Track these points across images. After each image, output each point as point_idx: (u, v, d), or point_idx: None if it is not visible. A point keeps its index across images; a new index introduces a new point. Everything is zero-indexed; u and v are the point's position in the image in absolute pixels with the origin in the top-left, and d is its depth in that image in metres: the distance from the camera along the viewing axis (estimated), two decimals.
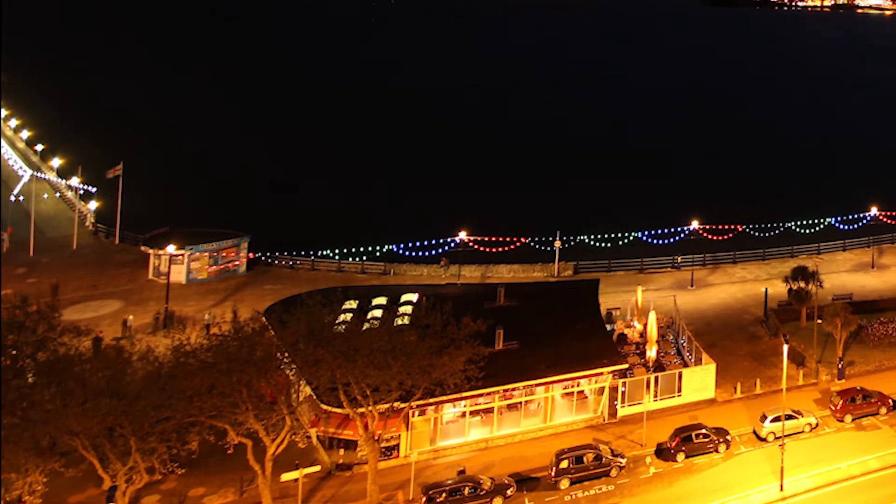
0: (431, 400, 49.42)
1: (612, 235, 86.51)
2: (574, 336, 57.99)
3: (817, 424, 55.42)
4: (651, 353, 59.90)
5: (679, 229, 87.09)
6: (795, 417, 54.35)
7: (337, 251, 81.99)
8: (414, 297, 61.12)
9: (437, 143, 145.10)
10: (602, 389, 56.01)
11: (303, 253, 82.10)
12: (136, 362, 42.98)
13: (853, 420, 56.32)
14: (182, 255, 75.28)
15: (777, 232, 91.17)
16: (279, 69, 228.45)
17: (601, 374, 55.65)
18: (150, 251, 76.29)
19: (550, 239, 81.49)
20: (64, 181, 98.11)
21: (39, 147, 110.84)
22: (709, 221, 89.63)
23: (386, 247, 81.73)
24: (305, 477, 46.66)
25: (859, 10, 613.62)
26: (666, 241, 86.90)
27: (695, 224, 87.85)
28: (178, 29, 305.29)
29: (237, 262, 79.07)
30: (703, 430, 52.67)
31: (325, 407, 48.28)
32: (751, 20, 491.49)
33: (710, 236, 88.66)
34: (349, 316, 55.36)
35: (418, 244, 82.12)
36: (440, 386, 47.25)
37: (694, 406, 58.02)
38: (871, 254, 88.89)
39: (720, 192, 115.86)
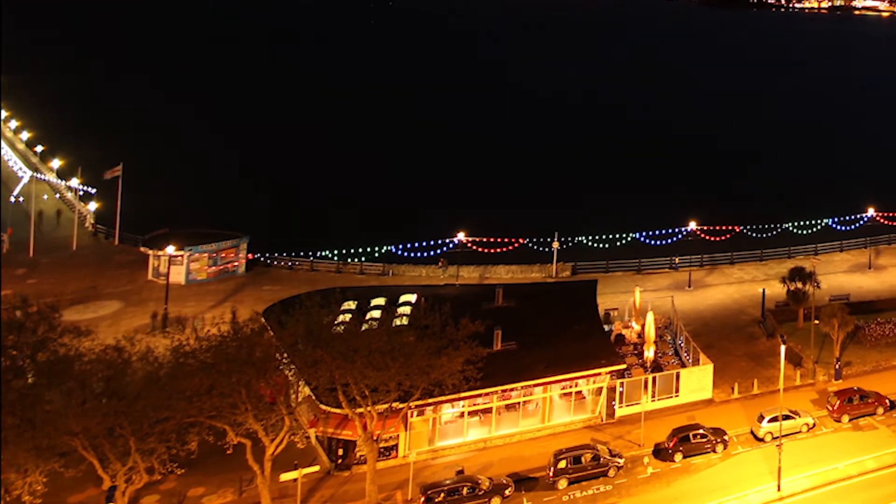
0: (430, 400, 49.56)
1: (610, 236, 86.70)
2: (572, 336, 58.14)
3: (814, 425, 55.59)
4: (649, 353, 60.09)
5: (677, 230, 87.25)
6: (793, 418, 54.50)
7: (336, 252, 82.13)
8: (412, 297, 61.29)
9: (437, 143, 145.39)
10: (600, 390, 56.19)
11: (302, 254, 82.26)
12: (136, 363, 43.13)
13: (850, 420, 56.46)
14: (181, 255, 75.38)
15: (774, 233, 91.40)
16: (278, 69, 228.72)
17: (599, 374, 55.83)
18: (150, 252, 76.38)
19: (548, 240, 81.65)
20: (64, 182, 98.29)
21: (39, 148, 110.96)
22: (706, 222, 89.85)
23: (384, 248, 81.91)
24: (304, 477, 46.81)
25: (856, 12, 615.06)
26: (664, 242, 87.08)
27: (692, 225, 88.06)
28: (176, 29, 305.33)
29: (236, 263, 79.20)
30: (701, 431, 52.81)
31: (323, 407, 48.42)
32: (749, 21, 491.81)
33: (707, 237, 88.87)
34: (348, 316, 55.53)
35: (417, 245, 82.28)
36: (439, 386, 47.38)
37: (691, 406, 58.18)
38: (868, 255, 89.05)
39: (717, 193, 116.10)
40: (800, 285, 69.55)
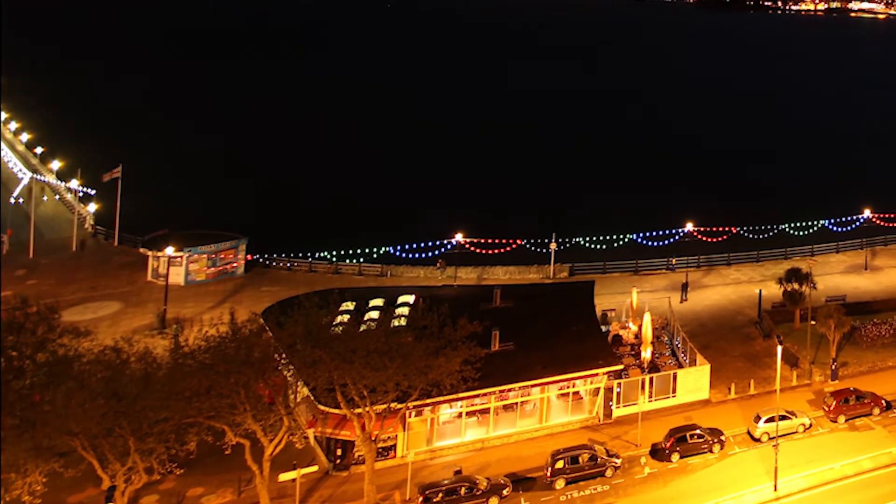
0: (428, 401, 49.75)
1: (608, 237, 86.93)
2: (569, 337, 58.37)
3: (811, 425, 55.85)
4: (646, 354, 60.24)
5: (674, 231, 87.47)
6: (789, 418, 54.71)
7: (334, 253, 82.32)
8: (411, 298, 61.46)
9: (436, 143, 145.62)
10: (597, 390, 56.38)
11: (300, 255, 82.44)
12: (135, 363, 43.31)
13: (846, 420, 56.70)
14: (180, 256, 75.51)
15: (771, 234, 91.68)
16: (278, 69, 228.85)
17: (596, 374, 56.01)
18: (149, 253, 76.54)
19: (546, 241, 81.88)
20: (63, 183, 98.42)
21: (39, 150, 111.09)
22: (703, 223, 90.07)
23: (383, 249, 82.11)
24: (303, 477, 46.95)
25: (853, 14, 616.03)
26: (661, 243, 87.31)
27: (689, 226, 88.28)
28: (176, 29, 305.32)
29: (235, 264, 79.36)
30: (698, 431, 53.04)
31: (322, 408, 48.59)
32: (745, 23, 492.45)
33: (704, 238, 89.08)
34: (346, 317, 55.69)
35: (415, 246, 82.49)
36: (437, 387, 47.59)
37: (688, 407, 58.39)
38: (864, 255, 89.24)
39: (714, 193, 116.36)
40: (796, 286, 69.78)
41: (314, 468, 48.85)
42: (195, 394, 41.92)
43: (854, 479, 50.59)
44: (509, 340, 55.76)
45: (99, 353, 42.74)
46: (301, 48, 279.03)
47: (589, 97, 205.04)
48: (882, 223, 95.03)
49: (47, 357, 42.81)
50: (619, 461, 50.90)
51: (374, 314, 57.51)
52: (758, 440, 53.91)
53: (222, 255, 78.59)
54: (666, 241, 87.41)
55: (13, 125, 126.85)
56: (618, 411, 56.79)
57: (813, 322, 64.79)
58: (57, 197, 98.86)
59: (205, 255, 77.29)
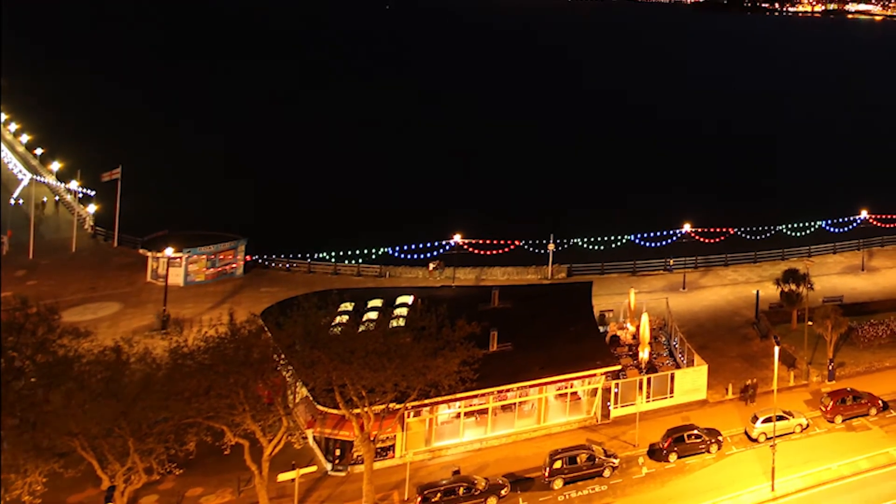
0: (426, 401, 49.91)
1: (605, 238, 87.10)
2: (567, 338, 58.57)
3: (808, 425, 56.08)
4: (644, 354, 60.50)
5: (671, 232, 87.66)
6: (786, 418, 54.97)
7: (333, 254, 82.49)
8: (409, 299, 61.60)
9: (435, 144, 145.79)
10: (595, 391, 56.58)
11: (299, 256, 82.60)
12: (134, 364, 43.48)
13: (843, 421, 56.93)
14: (180, 257, 75.63)
15: (768, 235, 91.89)
16: (277, 69, 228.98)
17: (594, 375, 56.21)
18: (149, 254, 76.66)
19: (544, 242, 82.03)
20: (63, 185, 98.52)
21: (39, 151, 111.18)
22: (700, 224, 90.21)
23: (381, 249, 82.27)
24: (302, 477, 47.13)
25: (849, 16, 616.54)
26: (658, 244, 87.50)
27: (687, 227, 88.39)
28: (175, 29, 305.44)
29: (234, 265, 79.50)
30: (695, 431, 53.26)
31: (321, 408, 48.74)
32: (743, 25, 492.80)
33: (701, 239, 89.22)
34: (345, 318, 55.77)
35: (413, 247, 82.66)
36: (435, 387, 47.72)
37: (686, 407, 58.59)
38: (861, 256, 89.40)
39: (712, 194, 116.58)
40: (793, 287, 69.98)
41: (313, 468, 49.06)
42: (194, 394, 42.07)
43: (851, 480, 50.81)
44: (507, 341, 55.95)
45: (99, 354, 42.87)
46: (301, 48, 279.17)
47: (588, 97, 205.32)
48: (879, 224, 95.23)
49: (47, 358, 42.91)
50: (616, 461, 51.09)
51: (373, 315, 57.67)
52: (755, 440, 54.15)
53: (221, 256, 78.71)
54: (664, 242, 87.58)
55: (13, 126, 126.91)
56: (615, 411, 56.98)
57: (810, 323, 65.05)
58: (56, 198, 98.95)
59: (204, 256, 77.39)
